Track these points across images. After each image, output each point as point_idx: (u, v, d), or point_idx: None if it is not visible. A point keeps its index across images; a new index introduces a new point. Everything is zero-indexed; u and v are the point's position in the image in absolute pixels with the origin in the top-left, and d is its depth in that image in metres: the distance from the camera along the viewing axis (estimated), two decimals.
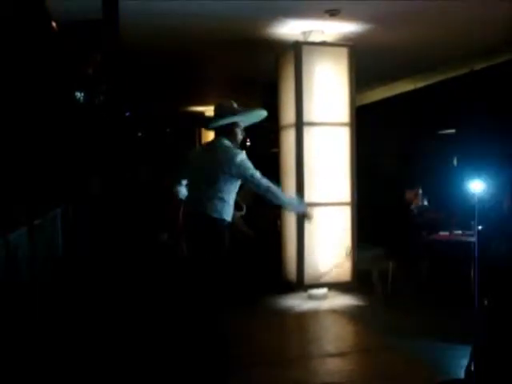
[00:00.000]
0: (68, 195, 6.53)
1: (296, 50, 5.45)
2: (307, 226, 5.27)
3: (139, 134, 12.70)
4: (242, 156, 3.43)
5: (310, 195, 5.40)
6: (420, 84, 8.43)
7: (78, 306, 4.89)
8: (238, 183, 3.52)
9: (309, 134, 5.47)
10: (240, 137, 3.66)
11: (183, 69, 7.58)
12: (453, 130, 8.20)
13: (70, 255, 6.22)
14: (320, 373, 3.72)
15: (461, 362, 3.77)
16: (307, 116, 5.44)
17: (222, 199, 3.41)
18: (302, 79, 5.43)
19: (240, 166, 3.39)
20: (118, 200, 4.80)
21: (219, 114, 3.59)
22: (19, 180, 4.90)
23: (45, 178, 5.65)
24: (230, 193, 3.46)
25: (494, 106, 7.00)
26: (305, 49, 5.47)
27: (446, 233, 5.69)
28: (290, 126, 5.62)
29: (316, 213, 5.43)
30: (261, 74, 6.76)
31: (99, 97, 6.75)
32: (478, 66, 7.10)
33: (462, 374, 3.39)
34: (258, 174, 3.44)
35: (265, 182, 3.45)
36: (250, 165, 3.44)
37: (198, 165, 3.59)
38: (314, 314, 5.19)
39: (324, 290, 5.65)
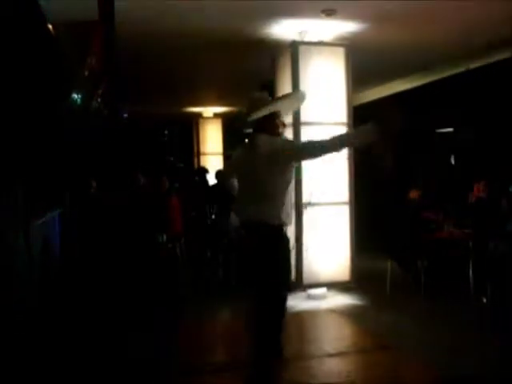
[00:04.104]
0: (66, 197, 6.53)
1: (293, 49, 5.45)
2: (305, 226, 5.30)
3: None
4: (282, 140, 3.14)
5: (308, 195, 5.40)
6: (417, 83, 8.45)
7: (74, 306, 4.89)
8: (290, 179, 3.12)
9: (306, 133, 5.46)
10: (282, 129, 3.23)
11: (179, 69, 7.57)
12: (450, 129, 8.22)
13: (68, 256, 6.21)
14: (319, 373, 3.71)
15: (460, 361, 3.78)
16: (304, 116, 5.44)
17: (281, 202, 3.03)
18: (298, 79, 5.43)
19: (284, 148, 3.04)
20: (113, 202, 4.79)
21: (253, 106, 3.12)
22: (18, 181, 4.88)
23: (44, 179, 5.64)
24: (285, 193, 3.07)
25: (490, 105, 7.02)
26: (301, 48, 5.47)
27: (445, 231, 5.70)
28: (287, 125, 5.61)
29: (314, 212, 5.48)
30: (258, 74, 6.75)
31: (96, 98, 6.73)
32: (473, 65, 7.12)
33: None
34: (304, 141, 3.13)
35: (315, 143, 2.99)
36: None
37: (243, 170, 3.17)
38: (312, 313, 5.19)
39: (323, 290, 5.65)
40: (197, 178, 8.39)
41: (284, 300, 3.09)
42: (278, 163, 2.99)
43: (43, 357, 3.77)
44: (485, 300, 5.04)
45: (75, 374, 3.60)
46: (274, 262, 2.96)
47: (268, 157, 2.99)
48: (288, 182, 3.07)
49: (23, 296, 4.20)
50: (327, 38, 5.80)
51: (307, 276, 5.44)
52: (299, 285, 5.52)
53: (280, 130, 3.20)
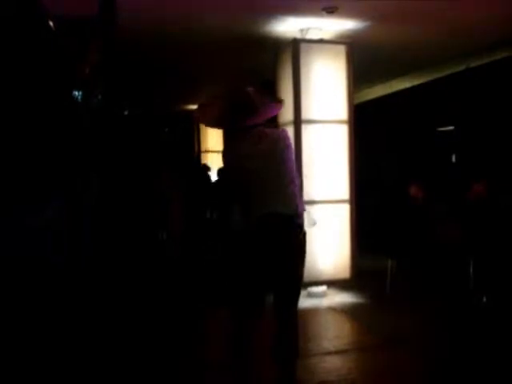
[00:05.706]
0: (67, 194, 6.52)
1: (294, 47, 5.45)
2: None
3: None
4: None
5: (308, 193, 5.40)
6: (418, 81, 8.44)
7: (75, 305, 4.89)
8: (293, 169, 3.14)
9: (307, 131, 5.46)
10: None
11: (180, 67, 7.57)
12: (451, 127, 8.21)
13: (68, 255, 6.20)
14: (319, 371, 3.71)
15: (460, 360, 3.79)
16: (306, 114, 5.44)
17: (293, 191, 3.05)
18: (300, 77, 5.43)
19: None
20: (114, 199, 4.78)
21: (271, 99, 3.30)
22: (18, 178, 4.88)
23: (43, 176, 5.63)
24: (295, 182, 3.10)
25: (490, 103, 7.02)
26: (303, 46, 5.46)
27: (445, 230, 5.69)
28: (288, 123, 5.61)
29: (315, 210, 5.48)
30: (259, 72, 6.75)
31: (97, 96, 6.72)
32: (474, 64, 7.12)
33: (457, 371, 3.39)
34: None
35: None
36: None
37: (253, 164, 2.99)
38: (313, 311, 5.19)
39: (323, 288, 5.65)
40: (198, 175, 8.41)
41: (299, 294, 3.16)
42: (283, 156, 3.05)
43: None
44: (485, 299, 5.05)
45: (81, 373, 3.61)
46: (299, 252, 3.04)
47: (278, 147, 3.04)
48: (293, 168, 3.09)
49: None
50: (328, 35, 5.80)
51: (308, 274, 5.41)
52: None
53: None
